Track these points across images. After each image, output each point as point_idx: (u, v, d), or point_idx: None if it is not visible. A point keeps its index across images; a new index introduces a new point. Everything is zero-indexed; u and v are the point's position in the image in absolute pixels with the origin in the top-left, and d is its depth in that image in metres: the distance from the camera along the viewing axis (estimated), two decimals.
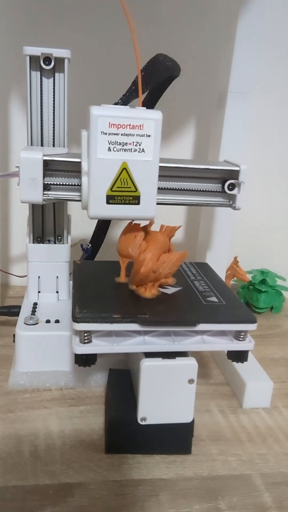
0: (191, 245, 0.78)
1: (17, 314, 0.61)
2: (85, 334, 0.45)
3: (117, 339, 0.46)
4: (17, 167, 0.48)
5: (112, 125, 0.44)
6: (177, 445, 0.47)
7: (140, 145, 0.45)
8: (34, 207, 0.61)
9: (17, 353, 0.57)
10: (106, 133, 0.44)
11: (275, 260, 0.92)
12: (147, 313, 0.46)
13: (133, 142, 0.45)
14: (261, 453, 0.49)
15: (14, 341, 0.57)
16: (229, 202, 0.54)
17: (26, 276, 0.63)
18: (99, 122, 0.44)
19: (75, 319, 0.44)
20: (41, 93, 0.56)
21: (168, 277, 0.53)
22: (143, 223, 0.52)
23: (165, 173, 0.51)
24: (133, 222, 0.51)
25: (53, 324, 0.58)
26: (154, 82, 0.59)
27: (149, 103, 0.62)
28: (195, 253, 0.76)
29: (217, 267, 0.61)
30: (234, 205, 0.53)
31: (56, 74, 0.56)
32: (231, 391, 0.58)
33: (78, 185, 0.50)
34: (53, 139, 0.58)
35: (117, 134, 0.44)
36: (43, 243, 0.62)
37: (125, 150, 0.45)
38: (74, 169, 0.50)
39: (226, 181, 0.52)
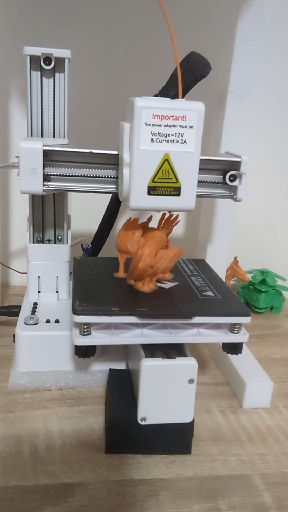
0: (191, 242, 0.78)
1: (17, 314, 0.61)
2: (85, 327, 0.46)
3: (115, 332, 0.46)
4: (17, 157, 0.48)
5: (156, 117, 0.44)
6: (177, 445, 0.47)
7: (182, 137, 0.45)
8: (34, 206, 0.61)
9: (17, 353, 0.57)
10: (149, 124, 0.44)
11: (275, 260, 0.92)
12: (145, 306, 0.47)
13: (175, 133, 0.45)
14: (261, 453, 0.49)
15: (14, 341, 0.57)
16: (230, 193, 0.54)
17: (26, 273, 0.63)
18: (143, 114, 0.44)
19: (75, 311, 0.45)
20: (41, 93, 0.56)
21: (166, 272, 0.53)
22: (141, 220, 0.52)
23: None
24: (132, 219, 0.51)
25: (53, 324, 0.58)
26: (189, 79, 0.59)
27: None
28: (195, 250, 0.76)
29: (217, 264, 0.62)
30: (235, 196, 0.53)
31: (56, 74, 0.55)
32: (231, 391, 0.58)
33: (78, 175, 0.50)
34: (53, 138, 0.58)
35: (160, 125, 0.44)
36: (43, 243, 0.62)
37: (167, 141, 0.45)
38: (75, 160, 0.50)
39: (227, 172, 0.52)
